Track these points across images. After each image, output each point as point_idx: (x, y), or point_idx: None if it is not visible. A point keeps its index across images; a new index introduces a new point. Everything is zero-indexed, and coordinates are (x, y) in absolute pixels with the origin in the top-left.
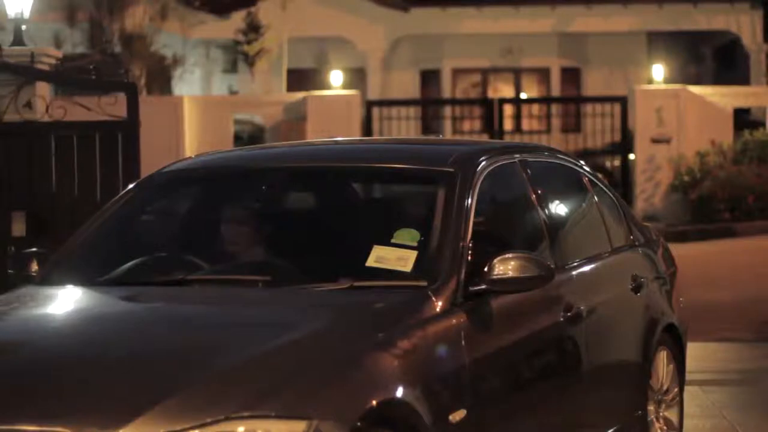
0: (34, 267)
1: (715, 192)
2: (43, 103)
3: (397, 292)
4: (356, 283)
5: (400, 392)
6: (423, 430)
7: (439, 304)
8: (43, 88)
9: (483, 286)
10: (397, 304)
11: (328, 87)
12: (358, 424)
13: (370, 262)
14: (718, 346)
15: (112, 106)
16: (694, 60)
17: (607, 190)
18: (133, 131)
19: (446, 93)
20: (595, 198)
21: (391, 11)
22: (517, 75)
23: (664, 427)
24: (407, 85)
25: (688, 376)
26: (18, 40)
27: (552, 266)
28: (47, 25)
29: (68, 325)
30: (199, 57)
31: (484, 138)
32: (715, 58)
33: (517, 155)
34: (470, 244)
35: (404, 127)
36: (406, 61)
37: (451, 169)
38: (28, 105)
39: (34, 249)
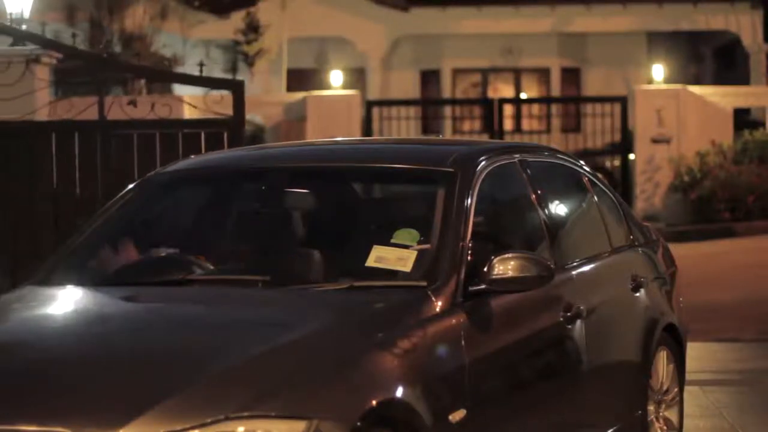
0: None
1: (715, 192)
2: (149, 100)
3: (397, 292)
4: (356, 283)
5: (400, 392)
6: (423, 430)
7: (438, 304)
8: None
9: (483, 286)
10: (396, 304)
11: (328, 87)
12: (358, 424)
13: (370, 262)
14: (718, 346)
15: (217, 105)
16: (694, 60)
17: (607, 190)
18: (239, 129)
19: (446, 93)
20: (595, 198)
21: (391, 11)
22: (517, 75)
23: (664, 427)
24: (407, 85)
25: (688, 376)
26: (18, 40)
27: (552, 266)
28: (47, 25)
29: (68, 325)
30: (199, 57)
31: (484, 138)
32: (715, 58)
33: (517, 155)
34: (470, 244)
35: (404, 127)
36: (406, 61)
37: (451, 169)
38: (133, 103)
39: None
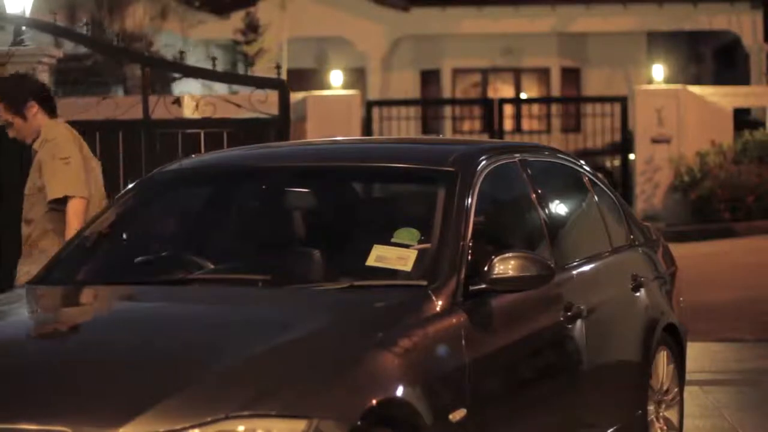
0: None
1: (715, 192)
2: (192, 99)
3: (397, 292)
4: (356, 283)
5: (400, 391)
6: (423, 429)
7: (439, 304)
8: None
9: (483, 286)
10: (397, 304)
11: (328, 87)
12: (359, 423)
13: (371, 261)
14: (718, 346)
15: (262, 104)
16: (694, 60)
17: (607, 190)
18: (285, 128)
19: (446, 93)
20: (595, 198)
21: (391, 11)
22: (517, 75)
23: (664, 427)
24: (407, 85)
25: (688, 376)
26: (18, 40)
27: (552, 265)
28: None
29: (68, 324)
30: (199, 57)
31: (484, 138)
32: (715, 58)
33: (517, 155)
34: (470, 244)
35: (404, 127)
36: (406, 61)
37: (451, 169)
38: (177, 102)
39: None
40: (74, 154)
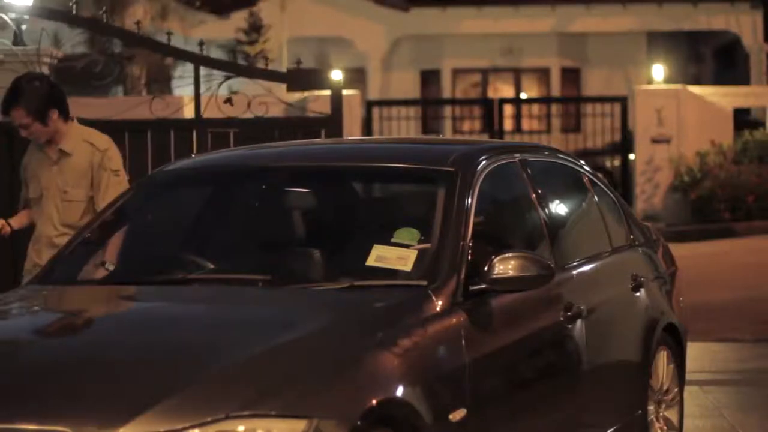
0: None
1: (715, 192)
2: (245, 99)
3: (398, 292)
4: (356, 283)
5: (400, 391)
6: (423, 429)
7: (439, 304)
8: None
9: (483, 286)
10: (397, 304)
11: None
12: (359, 423)
13: (371, 261)
14: (718, 346)
15: (314, 103)
16: (694, 60)
17: (607, 190)
18: (337, 128)
19: (446, 93)
20: (595, 198)
21: (391, 11)
22: (517, 75)
23: (664, 427)
24: (407, 85)
25: (688, 376)
26: (18, 40)
27: (552, 265)
28: (47, 24)
29: (68, 324)
30: None
31: (484, 138)
32: (715, 58)
33: (517, 155)
34: (470, 244)
35: (404, 127)
36: (406, 61)
37: (451, 169)
38: (229, 101)
39: None
40: (122, 167)
